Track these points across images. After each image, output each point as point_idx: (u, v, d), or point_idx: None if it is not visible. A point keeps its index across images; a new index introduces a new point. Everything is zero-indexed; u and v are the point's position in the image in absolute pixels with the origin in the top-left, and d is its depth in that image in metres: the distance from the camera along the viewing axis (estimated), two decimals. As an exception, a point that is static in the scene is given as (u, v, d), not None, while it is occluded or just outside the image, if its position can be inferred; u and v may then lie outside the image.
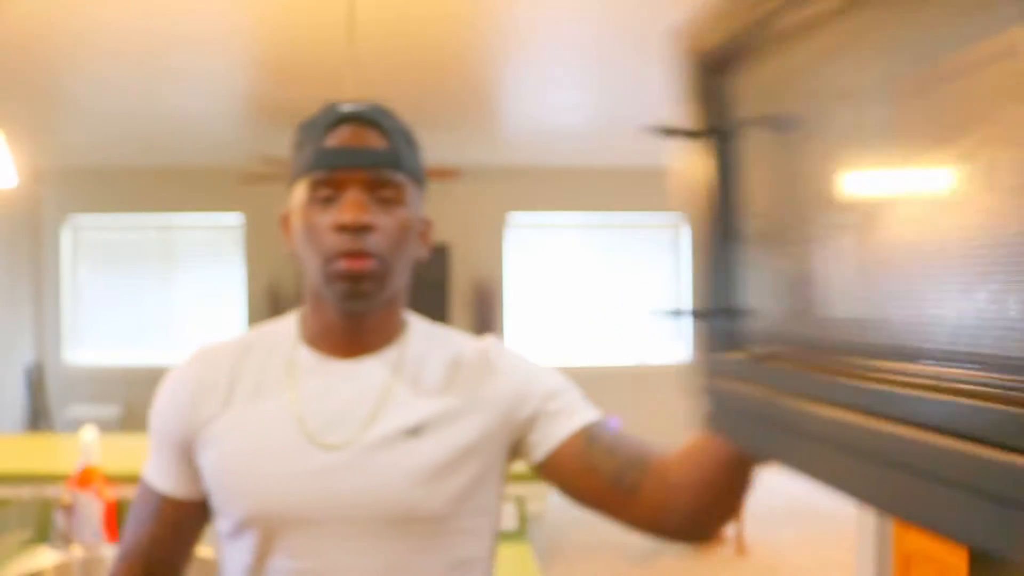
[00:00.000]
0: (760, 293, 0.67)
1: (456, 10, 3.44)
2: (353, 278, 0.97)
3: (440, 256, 6.92)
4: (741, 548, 4.62)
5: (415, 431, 0.99)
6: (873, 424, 0.47)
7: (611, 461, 1.00)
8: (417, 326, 1.10)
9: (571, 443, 1.01)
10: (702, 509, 0.96)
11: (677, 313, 0.76)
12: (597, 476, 1.00)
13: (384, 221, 0.98)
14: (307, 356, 1.04)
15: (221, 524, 1.03)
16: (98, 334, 7.10)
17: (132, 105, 4.95)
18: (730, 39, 0.64)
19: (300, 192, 1.02)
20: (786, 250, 0.61)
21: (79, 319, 7.11)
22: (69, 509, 1.92)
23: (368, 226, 0.96)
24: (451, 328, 1.13)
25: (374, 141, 0.99)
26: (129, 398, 6.93)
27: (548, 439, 1.02)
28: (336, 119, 1.00)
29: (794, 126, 0.60)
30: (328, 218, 0.98)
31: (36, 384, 6.78)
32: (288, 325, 1.09)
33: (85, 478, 1.95)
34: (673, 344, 7.16)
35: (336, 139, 0.99)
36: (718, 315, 0.71)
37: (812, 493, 5.78)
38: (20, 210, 6.70)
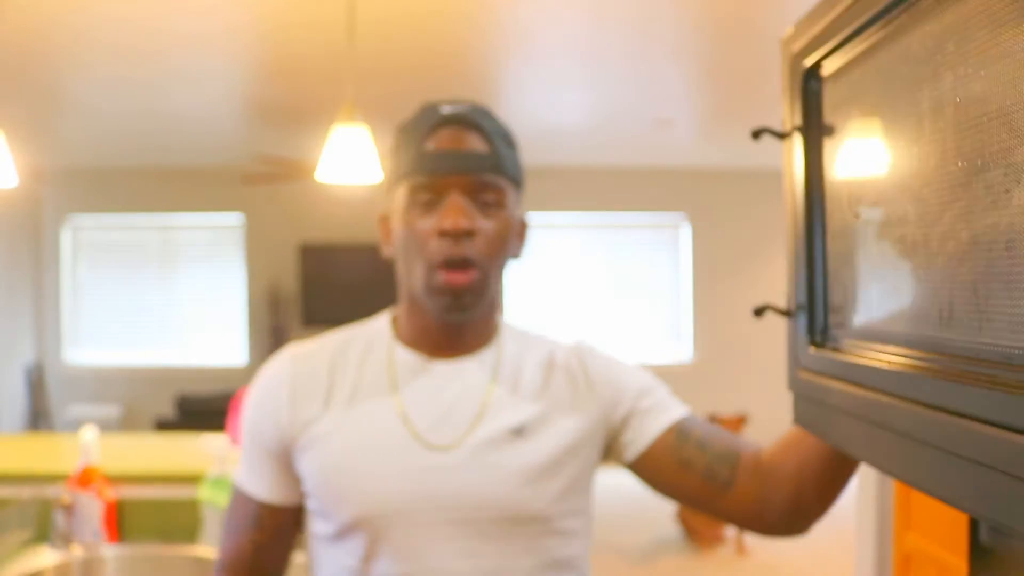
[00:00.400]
0: (846, 291, 0.69)
1: (456, 10, 3.44)
2: (454, 292, 0.98)
3: (440, 256, 6.89)
4: (741, 548, 4.62)
5: (518, 431, 1.00)
6: (943, 418, 0.48)
7: (703, 456, 1.00)
8: (508, 327, 1.10)
9: (662, 440, 1.02)
10: (802, 502, 0.97)
11: (762, 310, 0.78)
12: (690, 472, 1.00)
13: (485, 226, 0.99)
14: (406, 356, 1.04)
15: (322, 527, 1.02)
16: (98, 334, 7.11)
17: (132, 105, 4.95)
18: (822, 46, 0.67)
19: (400, 195, 1.01)
20: (874, 248, 0.63)
21: (79, 319, 7.11)
22: (69, 509, 1.92)
23: (470, 232, 0.97)
24: (537, 329, 1.14)
25: (475, 144, 0.99)
26: (129, 398, 6.94)
27: (640, 438, 1.03)
28: (437, 121, 0.99)
29: (876, 129, 0.61)
30: (429, 222, 0.98)
31: (36, 384, 6.78)
32: (380, 325, 1.08)
33: (85, 478, 1.95)
34: (672, 343, 7.16)
35: (437, 142, 0.98)
36: (807, 311, 0.73)
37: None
38: (20, 210, 6.70)
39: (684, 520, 4.79)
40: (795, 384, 0.77)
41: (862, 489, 2.73)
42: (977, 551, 0.73)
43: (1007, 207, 0.44)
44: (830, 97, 0.71)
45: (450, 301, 0.98)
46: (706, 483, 1.00)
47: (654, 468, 1.03)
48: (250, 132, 5.73)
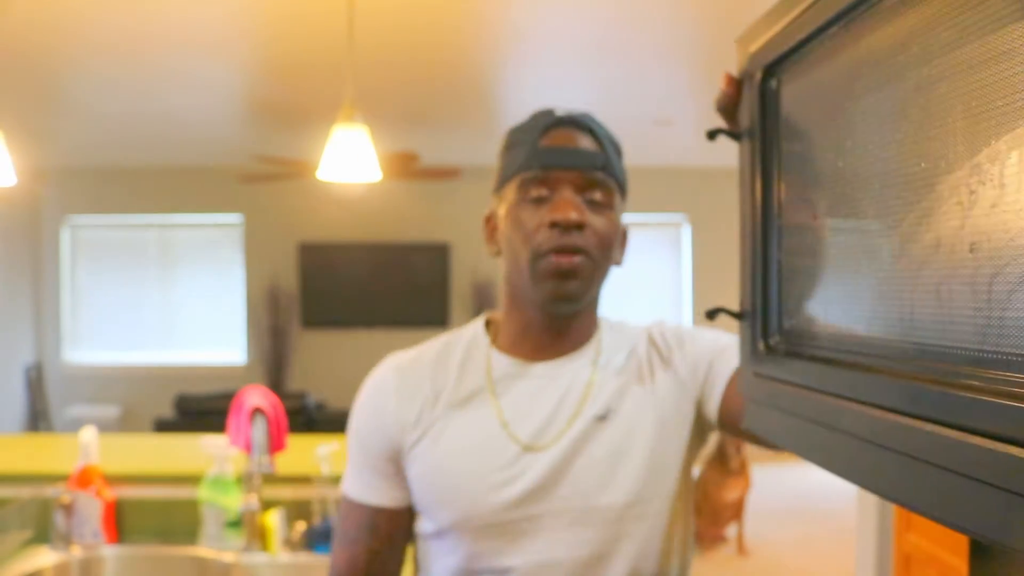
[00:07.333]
0: (802, 293, 0.68)
1: (456, 11, 3.44)
2: (562, 275, 0.99)
3: (440, 256, 6.90)
4: (741, 548, 4.62)
5: (603, 416, 1.02)
6: (905, 422, 0.48)
7: None
8: (606, 321, 1.12)
9: (732, 390, 1.01)
10: None
11: (714, 313, 0.76)
12: None
13: (595, 220, 1.01)
14: (504, 362, 1.06)
15: (427, 526, 1.06)
16: (98, 334, 7.11)
17: (132, 105, 4.95)
18: (781, 45, 0.66)
19: (510, 192, 1.04)
20: (833, 250, 0.62)
21: (79, 319, 7.11)
22: (69, 509, 1.92)
23: (580, 224, 0.98)
24: (634, 320, 1.15)
25: (588, 145, 1.02)
26: (129, 398, 6.94)
27: (713, 394, 1.04)
28: (552, 122, 1.03)
29: (836, 130, 0.60)
30: (539, 215, 1.00)
31: (36, 384, 6.78)
32: (475, 332, 1.10)
33: (85, 478, 1.95)
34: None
35: (551, 140, 1.02)
36: (760, 315, 0.72)
37: (813, 493, 5.77)
38: (20, 210, 6.70)
39: (684, 520, 4.79)
40: (747, 388, 0.75)
41: (863, 491, 2.73)
42: (977, 551, 0.73)
43: (971, 209, 0.44)
44: (788, 97, 0.69)
45: (557, 286, 0.99)
46: None
47: (736, 420, 1.00)
48: (250, 132, 5.73)
